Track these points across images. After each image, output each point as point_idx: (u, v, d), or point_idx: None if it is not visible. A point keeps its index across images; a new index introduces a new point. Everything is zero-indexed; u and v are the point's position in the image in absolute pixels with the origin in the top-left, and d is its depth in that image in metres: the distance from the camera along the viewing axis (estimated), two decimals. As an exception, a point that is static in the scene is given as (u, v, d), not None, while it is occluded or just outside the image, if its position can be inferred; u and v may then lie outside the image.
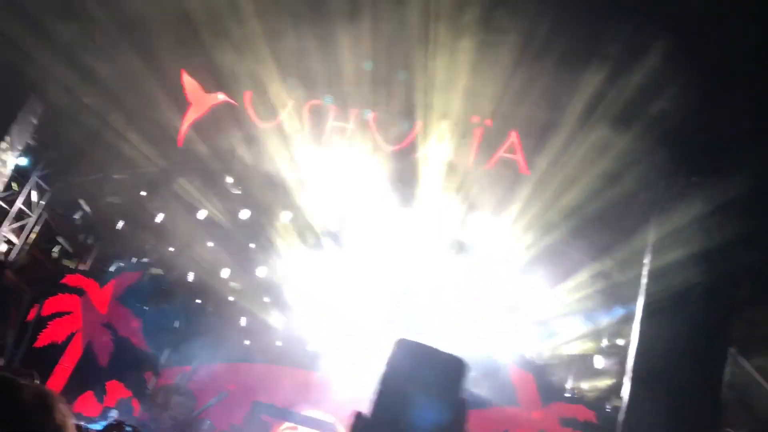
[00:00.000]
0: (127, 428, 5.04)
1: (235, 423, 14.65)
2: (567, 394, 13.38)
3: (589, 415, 12.82)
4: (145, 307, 15.01)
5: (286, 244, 14.33)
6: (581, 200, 10.50)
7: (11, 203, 13.83)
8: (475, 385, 12.94)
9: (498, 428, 13.52)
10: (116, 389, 14.54)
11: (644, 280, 9.83)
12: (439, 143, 12.79)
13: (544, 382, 13.46)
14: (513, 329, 12.84)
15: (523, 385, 13.48)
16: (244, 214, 14.56)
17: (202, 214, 14.52)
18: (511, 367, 13.31)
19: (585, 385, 13.34)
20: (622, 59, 8.78)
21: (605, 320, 12.30)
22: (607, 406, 12.81)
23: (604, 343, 12.48)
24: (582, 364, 13.07)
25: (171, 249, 15.33)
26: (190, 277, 15.75)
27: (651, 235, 9.74)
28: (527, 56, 9.72)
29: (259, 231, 14.57)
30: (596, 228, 10.87)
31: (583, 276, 11.87)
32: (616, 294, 11.82)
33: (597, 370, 12.87)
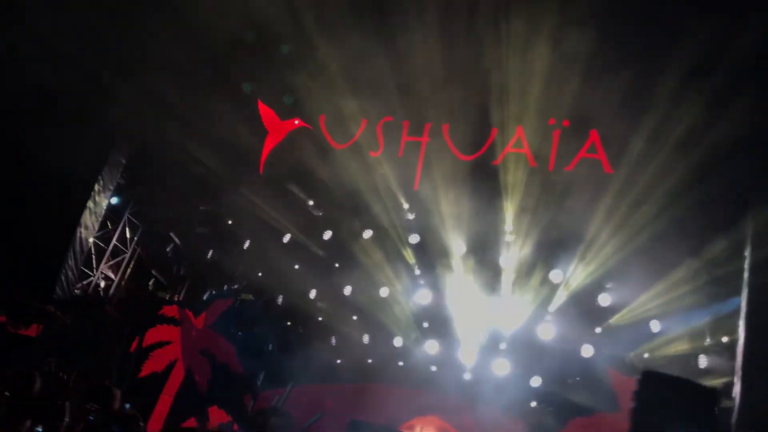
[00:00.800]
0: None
1: (335, 443, 14.74)
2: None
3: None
4: (239, 333, 15.35)
5: (370, 261, 14.42)
6: (671, 197, 10.16)
7: (107, 241, 14.49)
8: (575, 392, 12.63)
9: (602, 435, 13.13)
10: (217, 414, 14.91)
11: (746, 274, 9.41)
12: (517, 148, 12.66)
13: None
14: (610, 333, 12.44)
15: (624, 389, 13.03)
16: (327, 234, 14.76)
17: (286, 238, 14.80)
18: (610, 371, 12.90)
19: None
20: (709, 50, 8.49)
21: (706, 318, 11.78)
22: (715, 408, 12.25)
23: (707, 341, 11.94)
24: (685, 365, 12.53)
25: (259, 274, 15.66)
26: (279, 300, 16.04)
27: (750, 227, 9.32)
28: (605, 54, 9.54)
29: (342, 250, 14.72)
30: (690, 224, 10.48)
31: (679, 274, 11.45)
32: (715, 290, 11.35)
33: (701, 369, 12.31)
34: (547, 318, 12.96)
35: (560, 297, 12.87)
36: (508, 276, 13.24)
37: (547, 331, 12.86)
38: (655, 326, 12.16)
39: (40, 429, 4.51)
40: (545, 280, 12.96)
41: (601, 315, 12.70)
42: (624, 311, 12.33)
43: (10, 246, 13.73)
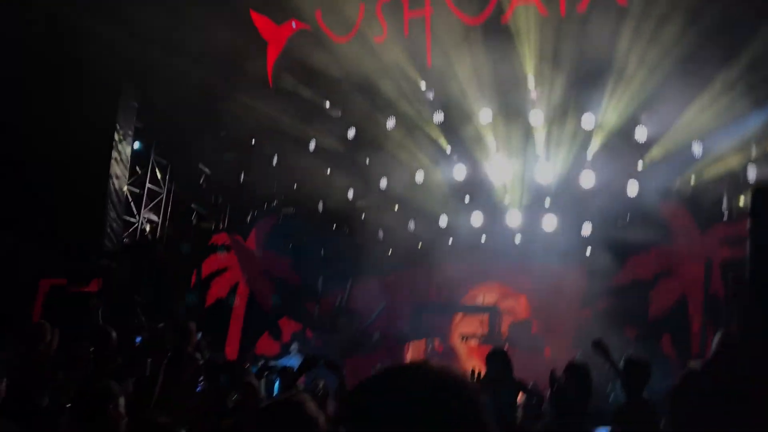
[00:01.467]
0: (320, 362, 5.26)
1: (402, 329, 15.21)
2: (725, 214, 12.83)
3: (754, 228, 12.27)
4: (289, 246, 15.65)
5: (399, 149, 14.33)
6: (696, 6, 9.71)
7: (141, 186, 14.64)
8: (627, 232, 12.68)
9: (661, 268, 13.26)
10: (287, 325, 15.47)
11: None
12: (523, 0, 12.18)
13: (697, 209, 12.93)
14: (653, 166, 12.28)
15: (676, 217, 13.04)
16: (351, 132, 14.64)
17: (312, 145, 14.75)
18: (660, 205, 12.86)
19: (742, 201, 12.72)
20: None
21: (749, 127, 11.49)
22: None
23: (754, 151, 11.71)
24: (734, 180, 12.40)
25: (295, 186, 15.76)
26: (320, 206, 16.20)
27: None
28: None
29: (369, 145, 14.62)
30: (721, 31, 10.05)
31: (715, 87, 11.10)
32: (754, 96, 11.02)
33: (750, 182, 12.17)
34: (586, 165, 12.83)
35: (596, 141, 12.69)
36: (539, 132, 13.06)
37: (589, 178, 12.76)
38: (697, 148, 11.95)
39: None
40: (578, 128, 12.74)
41: (640, 150, 12.51)
42: (663, 140, 12.11)
43: (50, 211, 14.00)
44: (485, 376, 5.75)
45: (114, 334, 5.04)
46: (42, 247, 15.34)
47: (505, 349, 8.53)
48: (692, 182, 12.43)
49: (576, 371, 4.83)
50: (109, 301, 12.69)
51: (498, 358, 5.84)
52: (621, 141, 12.36)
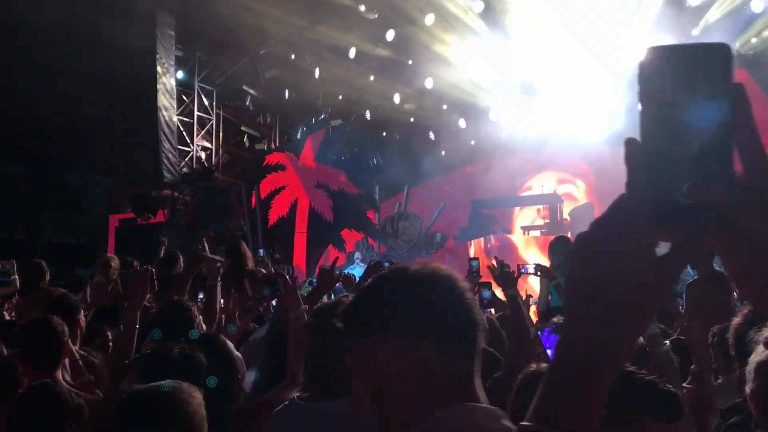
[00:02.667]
0: (385, 264, 5.36)
1: (463, 226, 15.31)
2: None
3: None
4: (342, 157, 15.73)
5: (440, 44, 13.94)
6: None
7: (190, 114, 14.80)
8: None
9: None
10: (349, 235, 15.77)
11: None
12: None
13: (761, 73, 12.31)
14: (708, 29, 11.62)
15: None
16: (390, 34, 14.28)
17: (352, 53, 14.50)
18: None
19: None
20: None
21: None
22: None
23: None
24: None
25: (339, 97, 15.66)
26: (368, 115, 16.12)
27: None
28: None
29: (410, 44, 14.27)
30: None
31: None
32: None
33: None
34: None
35: (647, 10, 12.05)
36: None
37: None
38: (756, 5, 11.21)
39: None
40: None
41: (694, 15, 11.83)
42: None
43: (109, 149, 14.38)
44: (550, 265, 5.77)
45: (181, 259, 5.21)
46: (108, 184, 15.89)
47: (568, 235, 8.52)
48: (754, 43, 11.77)
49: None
50: (176, 230, 13.16)
51: (560, 246, 5.80)
52: (672, 7, 11.71)
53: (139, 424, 1.62)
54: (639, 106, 0.70)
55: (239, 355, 2.72)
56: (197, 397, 1.68)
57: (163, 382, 1.69)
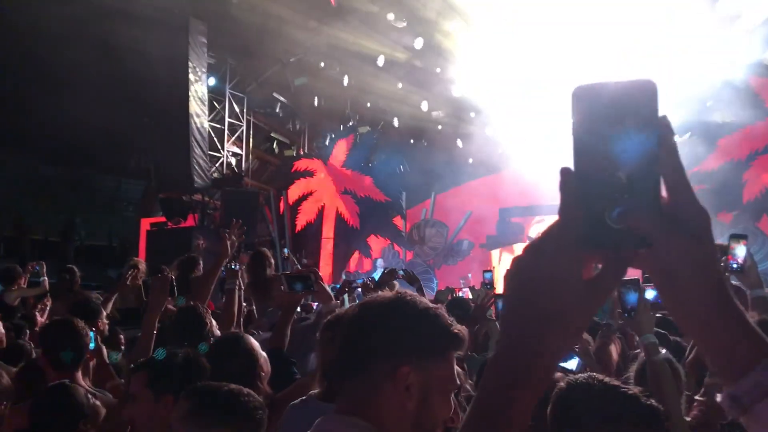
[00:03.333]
0: (400, 272, 5.46)
1: (490, 234, 15.31)
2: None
3: None
4: (369, 164, 15.85)
5: (468, 53, 13.96)
6: None
7: (221, 121, 15.05)
8: (715, 113, 12.09)
9: (756, 146, 12.65)
10: (376, 242, 15.88)
11: None
12: None
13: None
14: (740, 39, 11.47)
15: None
16: (418, 42, 14.35)
17: (380, 61, 14.60)
18: (750, 78, 12.12)
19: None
20: None
21: None
22: None
23: None
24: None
25: (368, 104, 15.78)
26: (395, 122, 16.20)
27: None
28: None
29: (437, 53, 14.34)
30: None
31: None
32: None
33: None
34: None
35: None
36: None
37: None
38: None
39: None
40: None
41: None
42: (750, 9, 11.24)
43: (142, 154, 14.69)
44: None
45: (201, 262, 5.33)
46: (140, 189, 16.23)
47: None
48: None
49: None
50: (206, 234, 13.38)
51: None
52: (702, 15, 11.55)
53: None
54: (572, 138, 0.77)
55: (264, 354, 2.81)
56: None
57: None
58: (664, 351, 2.45)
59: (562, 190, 0.74)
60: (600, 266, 0.75)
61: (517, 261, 0.77)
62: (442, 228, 16.30)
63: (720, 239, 6.45)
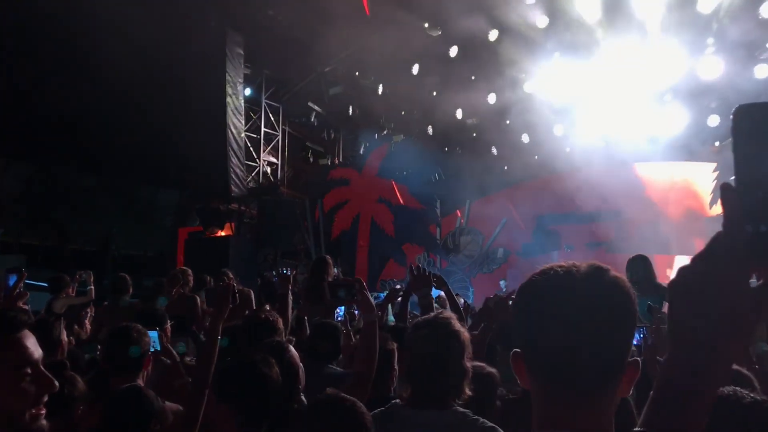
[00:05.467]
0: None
1: (526, 242, 15.18)
2: None
3: None
4: (404, 172, 15.85)
5: (504, 60, 13.92)
6: None
7: (257, 131, 15.21)
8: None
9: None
10: (411, 250, 15.85)
11: None
12: None
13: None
14: None
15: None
16: (453, 51, 14.35)
17: (415, 69, 14.62)
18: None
19: None
20: None
21: None
22: None
23: None
24: None
25: (402, 113, 15.81)
26: (430, 130, 16.20)
27: None
28: None
29: (473, 60, 14.31)
30: None
31: None
32: None
33: None
34: (706, 52, 11.97)
35: (716, 24, 11.74)
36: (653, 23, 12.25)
37: (712, 67, 11.92)
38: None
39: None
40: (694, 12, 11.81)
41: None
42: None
43: (179, 164, 14.90)
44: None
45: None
46: (176, 198, 16.44)
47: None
48: None
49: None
50: (243, 244, 13.51)
51: (640, 265, 5.87)
52: (743, 20, 11.36)
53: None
54: (733, 155, 0.82)
55: (302, 366, 2.84)
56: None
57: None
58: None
59: (725, 205, 0.81)
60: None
61: (685, 271, 0.84)
62: (477, 236, 16.22)
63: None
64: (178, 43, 12.00)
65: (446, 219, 16.68)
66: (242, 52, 14.48)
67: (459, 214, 16.74)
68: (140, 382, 3.06)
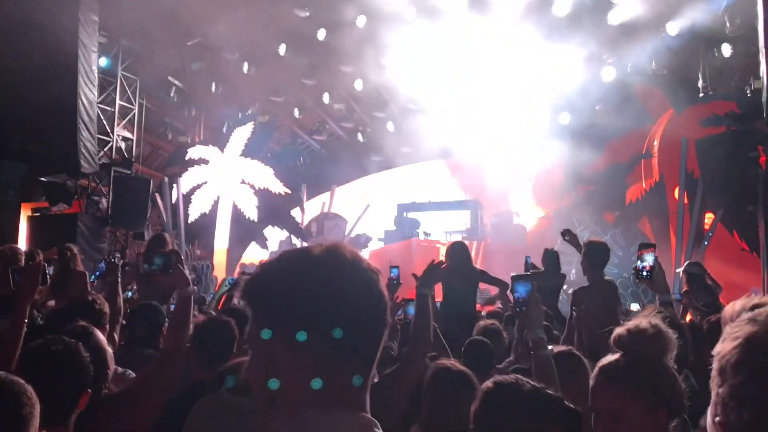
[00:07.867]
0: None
1: (388, 229, 15.41)
2: (701, 95, 12.82)
3: (729, 106, 12.29)
4: (268, 155, 15.58)
5: (371, 47, 13.93)
6: None
7: (111, 103, 14.34)
8: (604, 116, 12.72)
9: (636, 150, 13.38)
10: (273, 233, 15.63)
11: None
12: None
13: (671, 91, 12.92)
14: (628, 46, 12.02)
15: (651, 99, 13.04)
16: (321, 34, 14.16)
17: (282, 50, 14.34)
18: (635, 87, 12.82)
19: (716, 82, 12.69)
20: None
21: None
22: (747, 91, 12.21)
23: (728, 28, 11.48)
24: (710, 56, 12.29)
25: (268, 94, 15.49)
26: (296, 112, 16.02)
27: None
28: None
29: (341, 44, 14.21)
30: None
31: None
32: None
33: (725, 58, 12.03)
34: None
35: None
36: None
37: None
38: (672, 27, 11.65)
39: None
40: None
41: (613, 32, 12.23)
42: (636, 20, 11.78)
43: (24, 135, 13.78)
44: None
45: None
46: (21, 171, 15.20)
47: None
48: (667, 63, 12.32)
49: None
50: (92, 223, 12.74)
51: (455, 251, 6.22)
52: (592, 24, 12.06)
53: None
54: None
55: (110, 351, 2.69)
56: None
57: None
58: (550, 347, 2.52)
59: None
60: None
61: None
62: (341, 221, 16.27)
63: (605, 238, 6.94)
64: (26, 3, 11.06)
65: (310, 203, 16.60)
66: (97, 19, 13.54)
67: (324, 200, 16.71)
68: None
